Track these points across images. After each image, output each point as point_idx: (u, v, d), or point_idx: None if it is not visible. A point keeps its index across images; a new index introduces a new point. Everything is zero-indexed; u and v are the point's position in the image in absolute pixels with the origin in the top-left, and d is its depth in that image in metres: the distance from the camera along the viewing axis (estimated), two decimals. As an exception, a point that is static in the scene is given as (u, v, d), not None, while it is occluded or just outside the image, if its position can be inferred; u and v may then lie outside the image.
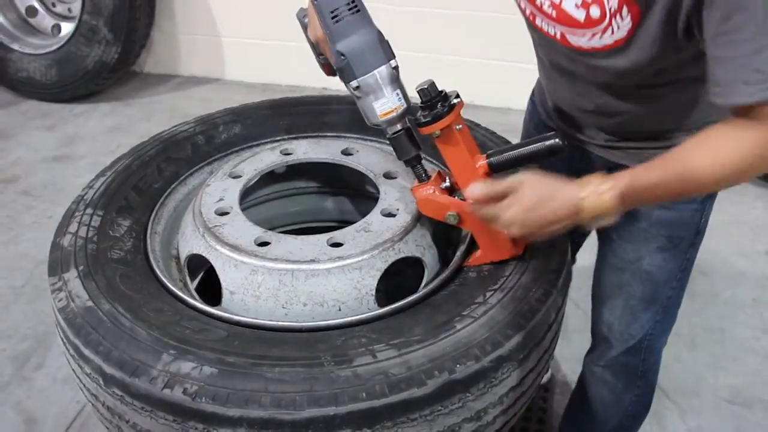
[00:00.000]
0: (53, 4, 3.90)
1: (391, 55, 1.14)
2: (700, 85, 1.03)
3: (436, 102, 1.13)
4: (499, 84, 3.52)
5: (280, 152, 1.49)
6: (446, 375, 1.02)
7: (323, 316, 1.16)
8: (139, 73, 4.12)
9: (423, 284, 1.25)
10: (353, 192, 1.67)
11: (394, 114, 1.15)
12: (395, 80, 1.14)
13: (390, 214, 1.28)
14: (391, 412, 0.99)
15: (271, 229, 1.29)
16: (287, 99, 1.74)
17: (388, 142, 1.22)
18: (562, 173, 1.08)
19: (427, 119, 1.13)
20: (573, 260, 1.66)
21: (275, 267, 1.17)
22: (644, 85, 1.17)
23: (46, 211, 2.92)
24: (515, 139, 1.35)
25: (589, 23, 1.07)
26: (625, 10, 1.03)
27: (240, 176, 1.41)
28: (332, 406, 0.97)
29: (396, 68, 1.14)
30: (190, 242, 1.28)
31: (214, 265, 1.22)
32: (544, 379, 1.88)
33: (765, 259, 2.69)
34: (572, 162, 1.35)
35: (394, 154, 1.23)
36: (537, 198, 1.07)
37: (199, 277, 1.40)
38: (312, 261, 1.17)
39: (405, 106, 1.16)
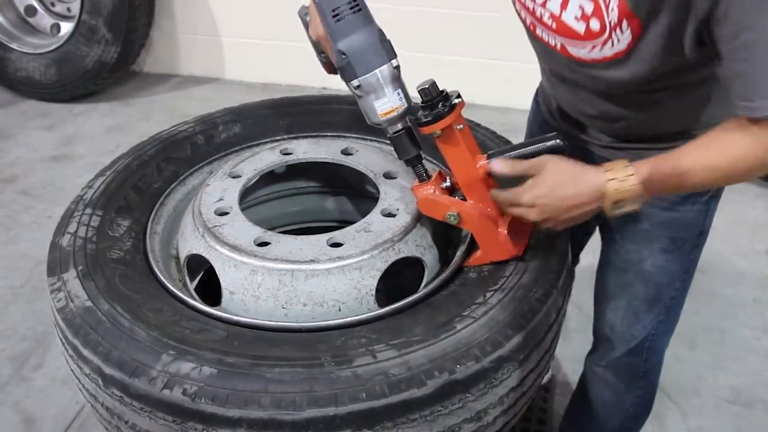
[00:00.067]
0: (52, 4, 3.89)
1: (393, 55, 1.13)
2: (702, 88, 1.03)
3: (437, 102, 1.12)
4: (499, 84, 3.53)
5: (280, 152, 1.48)
6: (446, 375, 1.01)
7: (323, 316, 1.15)
8: (139, 73, 4.11)
9: (423, 284, 1.24)
10: (353, 192, 1.67)
11: (395, 113, 1.15)
12: (396, 79, 1.14)
13: (390, 214, 1.28)
14: (391, 412, 0.99)
15: (271, 229, 1.29)
16: (287, 99, 1.73)
17: (388, 141, 1.21)
18: None
19: (428, 119, 1.13)
20: (576, 260, 1.66)
21: (275, 267, 1.17)
22: (645, 92, 1.17)
23: (45, 211, 2.92)
24: (515, 139, 1.35)
25: (589, 36, 1.07)
26: (625, 23, 1.02)
27: (240, 176, 1.40)
28: (332, 406, 0.97)
29: (397, 67, 1.13)
30: (190, 242, 1.28)
31: (214, 265, 1.21)
32: (545, 379, 1.87)
33: (765, 259, 2.68)
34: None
35: (395, 153, 1.22)
36: (559, 180, 1.05)
37: (199, 277, 1.39)
38: (312, 261, 1.17)
39: (406, 105, 1.15)
